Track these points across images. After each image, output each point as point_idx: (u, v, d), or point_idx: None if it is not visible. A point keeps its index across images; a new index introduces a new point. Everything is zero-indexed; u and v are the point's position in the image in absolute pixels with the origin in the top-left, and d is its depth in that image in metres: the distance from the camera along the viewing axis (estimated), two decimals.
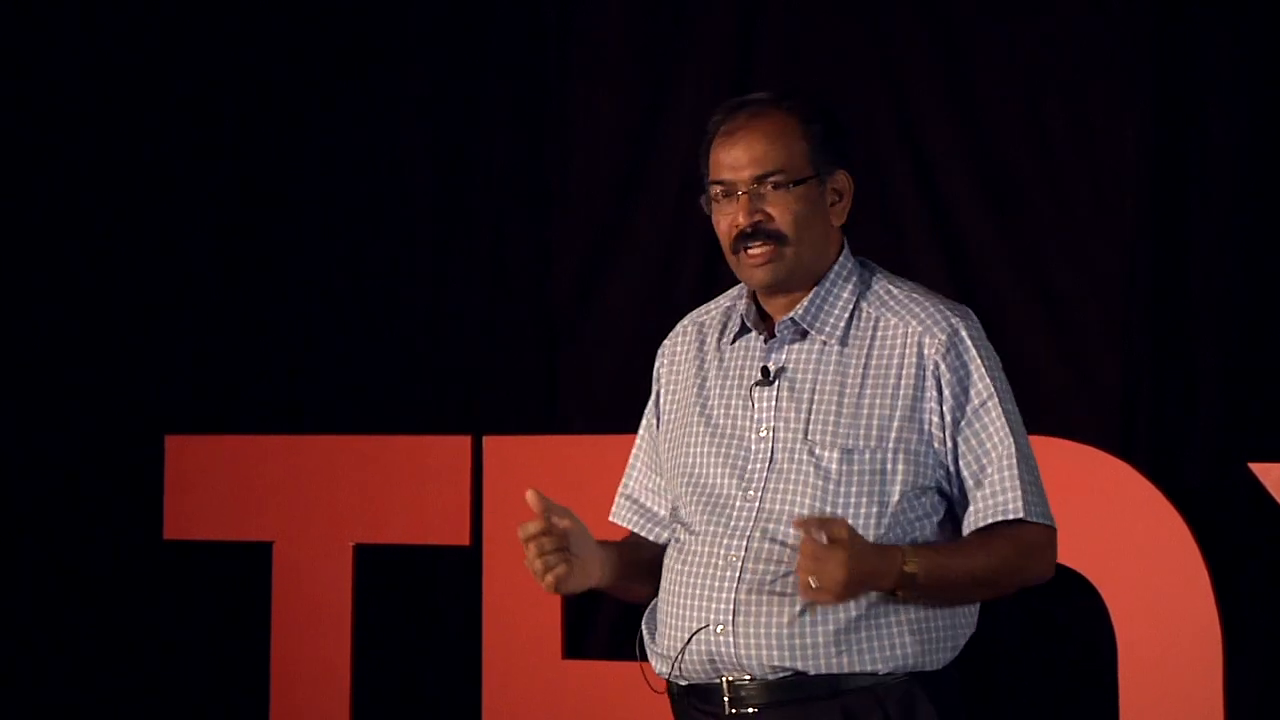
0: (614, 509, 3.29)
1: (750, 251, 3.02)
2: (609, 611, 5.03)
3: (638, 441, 3.27)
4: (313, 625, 5.05)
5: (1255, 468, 4.22)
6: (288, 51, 5.39)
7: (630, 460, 3.28)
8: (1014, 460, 2.97)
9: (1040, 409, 4.59)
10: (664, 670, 3.06)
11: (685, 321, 3.23)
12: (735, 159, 3.02)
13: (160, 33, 5.44)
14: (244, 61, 5.42)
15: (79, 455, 5.39)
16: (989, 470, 2.98)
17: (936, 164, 4.73)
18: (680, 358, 3.19)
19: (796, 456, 2.99)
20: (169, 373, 5.42)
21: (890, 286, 3.08)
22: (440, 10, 5.27)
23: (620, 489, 3.29)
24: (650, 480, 3.22)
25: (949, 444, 2.98)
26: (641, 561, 3.15)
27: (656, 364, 3.24)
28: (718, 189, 3.04)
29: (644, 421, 3.26)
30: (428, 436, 5.01)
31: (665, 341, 3.24)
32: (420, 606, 5.22)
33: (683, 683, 3.04)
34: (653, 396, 3.24)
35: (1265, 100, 4.43)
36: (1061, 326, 4.60)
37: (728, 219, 3.03)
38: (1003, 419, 2.99)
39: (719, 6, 4.98)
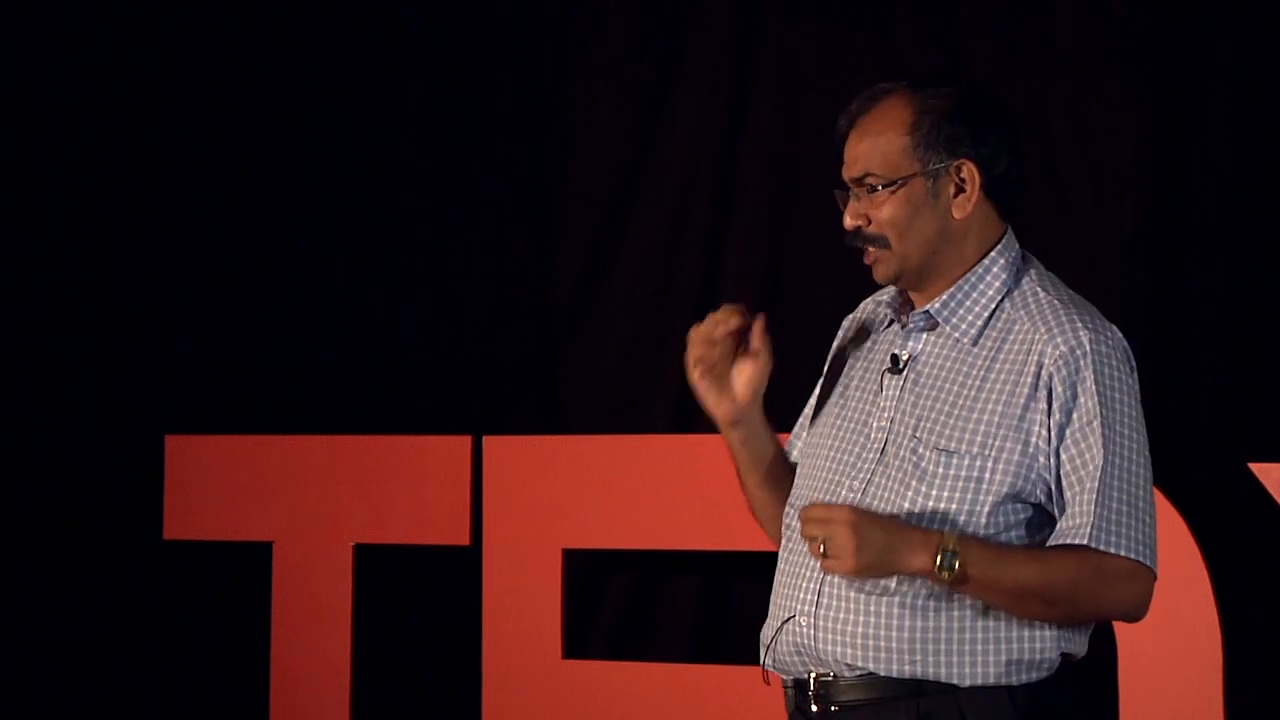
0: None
1: (865, 251, 2.97)
2: (609, 612, 5.04)
3: (794, 442, 3.20)
4: (313, 625, 5.05)
5: (1255, 468, 4.22)
6: (288, 51, 5.39)
7: (800, 422, 3.19)
8: (1097, 484, 2.82)
9: None
10: (762, 659, 2.99)
11: (874, 296, 3.14)
12: (846, 156, 2.97)
13: (160, 32, 5.44)
14: (244, 61, 5.42)
15: (79, 455, 5.39)
16: (1075, 492, 2.84)
17: None
18: (851, 330, 3.12)
19: (902, 451, 2.89)
20: (169, 373, 5.42)
21: (1038, 289, 2.99)
22: (440, 10, 5.27)
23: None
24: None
25: (1053, 460, 2.85)
26: (779, 461, 3.10)
27: (838, 338, 3.16)
28: (839, 190, 2.99)
29: (807, 410, 3.19)
30: (428, 436, 5.01)
31: (849, 315, 3.16)
32: (420, 606, 5.22)
33: (785, 677, 2.97)
34: (826, 367, 3.17)
35: (1265, 100, 4.43)
36: None
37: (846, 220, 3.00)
38: (1101, 443, 2.83)
39: (719, 6, 4.98)
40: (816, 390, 3.16)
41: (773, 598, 3.00)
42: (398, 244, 5.29)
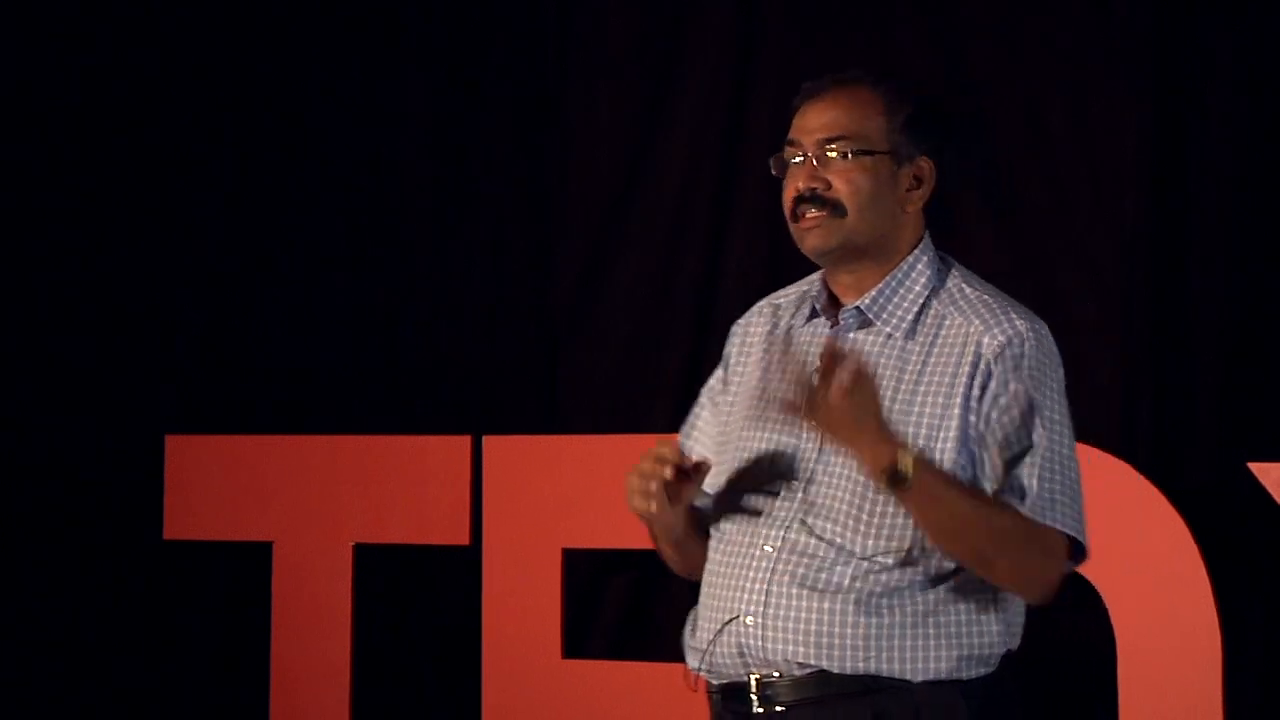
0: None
1: (806, 216, 2.95)
2: (609, 612, 5.04)
3: (693, 420, 3.17)
4: (313, 625, 5.05)
5: (1255, 468, 4.22)
6: (288, 51, 5.39)
7: (684, 439, 3.16)
8: (1038, 464, 2.87)
9: None
10: (695, 664, 3.00)
11: (763, 303, 3.15)
12: (808, 122, 2.96)
13: (160, 32, 5.44)
14: (244, 61, 5.42)
15: (79, 455, 5.39)
16: (1015, 471, 2.87)
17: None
18: (751, 339, 3.11)
19: (842, 450, 2.89)
20: (169, 373, 5.42)
21: (965, 286, 3.01)
22: (440, 10, 5.27)
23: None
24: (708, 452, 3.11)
25: (992, 445, 2.88)
26: (691, 520, 3.07)
27: (727, 345, 3.16)
28: (789, 149, 2.97)
29: (702, 400, 3.17)
30: (428, 436, 5.01)
31: (739, 321, 3.17)
32: (420, 606, 5.22)
33: (715, 682, 2.99)
34: (717, 378, 3.15)
35: (1265, 100, 4.43)
36: (1062, 326, 4.59)
37: (791, 183, 2.96)
38: (1041, 426, 2.89)
39: (719, 6, 4.98)
40: (716, 403, 3.13)
41: (704, 602, 3.00)
42: (398, 244, 5.29)
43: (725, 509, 3.02)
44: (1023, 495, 2.87)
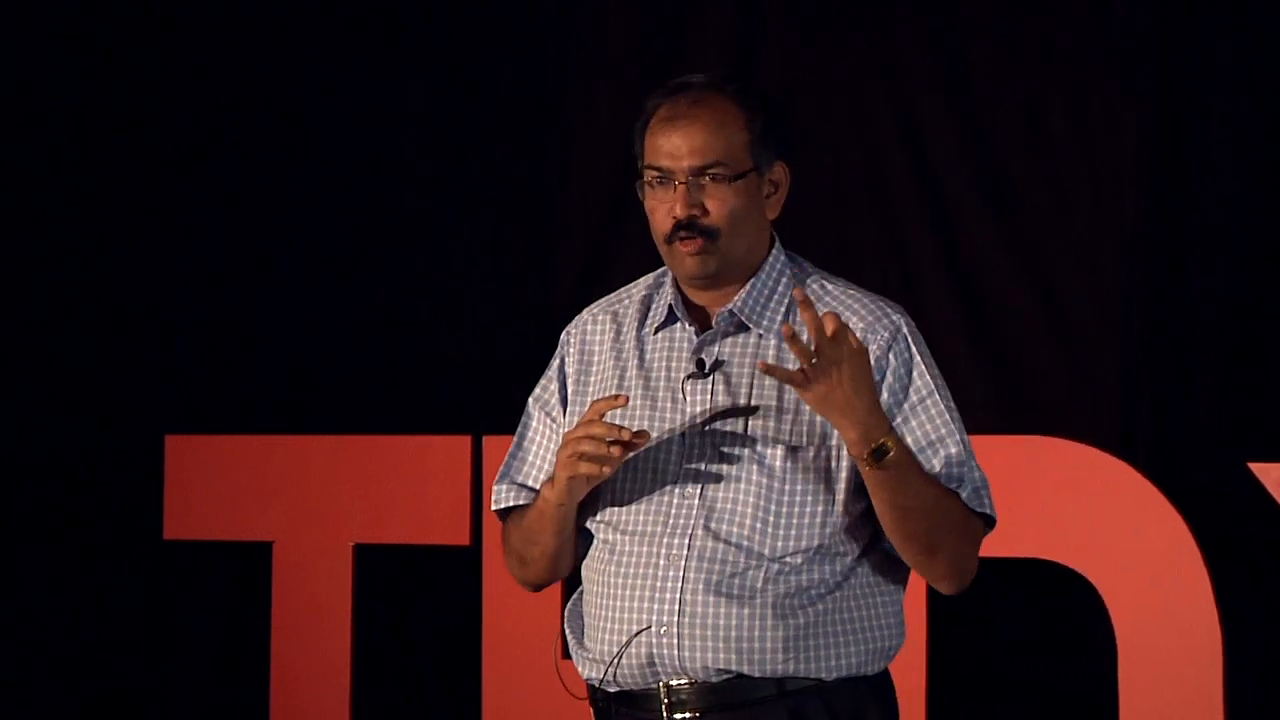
0: (502, 497, 3.09)
1: (683, 242, 2.93)
2: None
3: (528, 433, 3.11)
4: (313, 625, 5.05)
5: (1255, 468, 4.22)
6: (287, 51, 5.39)
7: (517, 450, 3.11)
8: (961, 453, 2.90)
9: (1040, 409, 4.61)
10: (595, 675, 2.96)
11: (595, 309, 3.12)
12: (675, 147, 2.93)
13: (160, 32, 5.44)
14: (243, 61, 5.42)
15: (79, 455, 5.39)
16: (933, 462, 2.89)
17: (936, 164, 4.72)
18: (593, 345, 3.08)
19: (738, 453, 2.90)
20: (169, 373, 5.42)
21: (825, 283, 3.01)
22: (440, 10, 5.27)
23: (507, 477, 3.10)
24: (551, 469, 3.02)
25: (899, 431, 2.89)
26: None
27: (560, 350, 3.13)
28: (653, 174, 2.95)
29: (534, 411, 3.11)
30: (428, 436, 5.01)
31: (570, 327, 3.13)
32: (420, 606, 5.22)
33: (612, 689, 2.96)
34: (551, 383, 3.11)
35: (1265, 100, 4.43)
36: (1061, 326, 4.60)
37: (664, 207, 2.94)
38: (946, 415, 2.92)
39: (719, 6, 4.98)
40: (555, 412, 3.08)
41: (598, 613, 2.95)
42: (398, 244, 5.29)
43: (610, 520, 2.97)
44: (959, 483, 2.90)
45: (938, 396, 2.93)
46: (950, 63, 4.72)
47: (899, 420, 2.90)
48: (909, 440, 2.90)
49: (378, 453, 5.04)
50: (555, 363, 3.13)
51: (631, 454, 2.90)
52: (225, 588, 5.36)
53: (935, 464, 2.90)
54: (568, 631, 3.05)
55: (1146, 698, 4.28)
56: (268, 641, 5.11)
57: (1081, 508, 4.36)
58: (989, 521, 2.95)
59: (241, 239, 5.43)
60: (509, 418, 5.04)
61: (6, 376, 5.41)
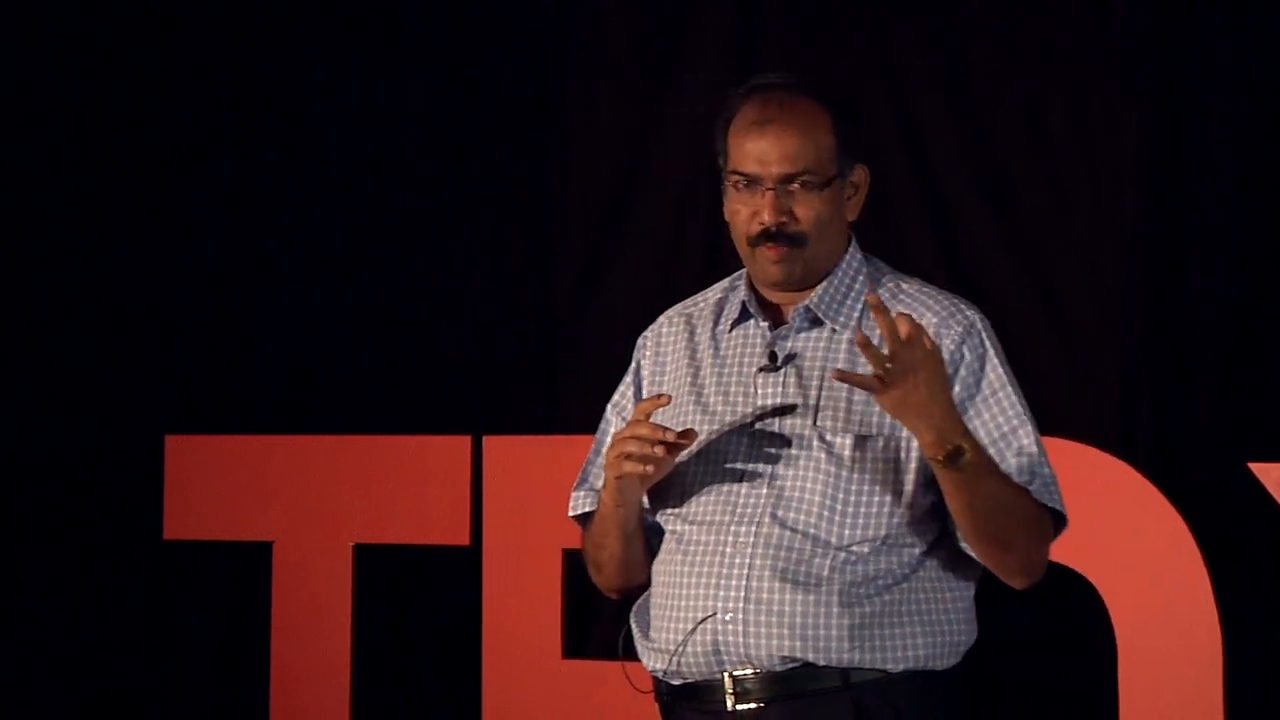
0: (577, 503, 3.16)
1: (769, 248, 2.95)
2: (609, 611, 5.03)
3: (604, 439, 3.14)
4: (313, 625, 5.05)
5: (1255, 468, 4.22)
6: (287, 51, 5.39)
7: (595, 456, 3.16)
8: (1034, 447, 2.92)
9: (1040, 409, 4.59)
10: (659, 666, 2.98)
11: (671, 313, 3.16)
12: (764, 152, 2.94)
13: (160, 32, 5.44)
14: (243, 61, 5.42)
15: (79, 455, 5.39)
16: (1004, 456, 2.91)
17: (936, 164, 4.72)
18: (667, 348, 3.11)
19: (807, 442, 2.91)
20: (169, 373, 5.42)
21: (900, 282, 3.04)
22: (440, 10, 5.27)
23: (585, 483, 3.16)
24: None
25: (972, 426, 2.90)
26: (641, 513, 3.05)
27: (636, 355, 3.16)
28: (739, 179, 2.96)
29: (610, 416, 3.17)
30: (428, 436, 5.01)
31: (646, 332, 3.17)
32: (420, 606, 5.22)
33: (677, 681, 2.97)
34: (628, 389, 3.16)
35: (1265, 100, 4.43)
36: (1061, 326, 4.60)
37: (748, 211, 2.95)
38: (1019, 407, 2.94)
39: (719, 6, 4.98)
40: (620, 408, 3.12)
41: (665, 603, 2.97)
42: (398, 244, 5.29)
43: (679, 511, 3.00)
44: (1031, 478, 2.91)
45: (1010, 389, 2.94)
46: (950, 63, 4.72)
47: (970, 414, 2.91)
48: (981, 433, 2.90)
49: (378, 453, 5.03)
50: (631, 368, 3.17)
51: (682, 454, 2.92)
52: (225, 588, 5.36)
53: (1008, 457, 2.91)
54: (634, 625, 3.06)
55: (1146, 698, 4.28)
56: (268, 641, 5.11)
57: (1081, 508, 4.32)
58: (1060, 518, 2.95)
59: (241, 239, 5.43)
60: (509, 418, 5.09)
61: (6, 376, 5.41)
